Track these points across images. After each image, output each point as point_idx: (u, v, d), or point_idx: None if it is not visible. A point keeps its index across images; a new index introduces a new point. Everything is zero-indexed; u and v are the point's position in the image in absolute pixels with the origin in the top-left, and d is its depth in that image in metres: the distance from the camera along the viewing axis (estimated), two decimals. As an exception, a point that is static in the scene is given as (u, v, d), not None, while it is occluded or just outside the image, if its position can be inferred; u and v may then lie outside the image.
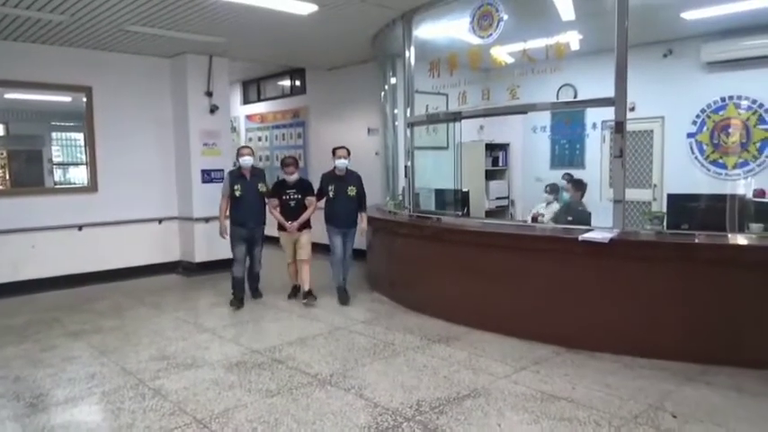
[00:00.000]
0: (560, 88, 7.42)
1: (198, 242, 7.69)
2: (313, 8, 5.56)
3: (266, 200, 5.99)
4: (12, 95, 6.79)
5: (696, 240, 4.15)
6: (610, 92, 4.46)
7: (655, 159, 7.28)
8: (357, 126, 8.39)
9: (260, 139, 10.89)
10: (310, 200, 5.99)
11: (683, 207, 4.51)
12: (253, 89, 11.11)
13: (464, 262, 5.14)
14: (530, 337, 4.62)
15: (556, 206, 6.14)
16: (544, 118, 8.02)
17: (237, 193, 5.83)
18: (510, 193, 8.54)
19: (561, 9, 5.12)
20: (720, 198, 4.74)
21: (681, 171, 6.89)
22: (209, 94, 7.73)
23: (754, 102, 6.51)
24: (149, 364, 4.32)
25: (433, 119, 6.32)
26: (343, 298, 5.98)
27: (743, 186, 6.51)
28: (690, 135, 6.96)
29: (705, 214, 4.41)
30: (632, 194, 6.49)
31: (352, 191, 5.95)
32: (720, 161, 6.80)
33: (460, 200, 6.20)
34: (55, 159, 7.35)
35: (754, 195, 5.35)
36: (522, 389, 3.72)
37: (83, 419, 3.47)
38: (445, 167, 6.38)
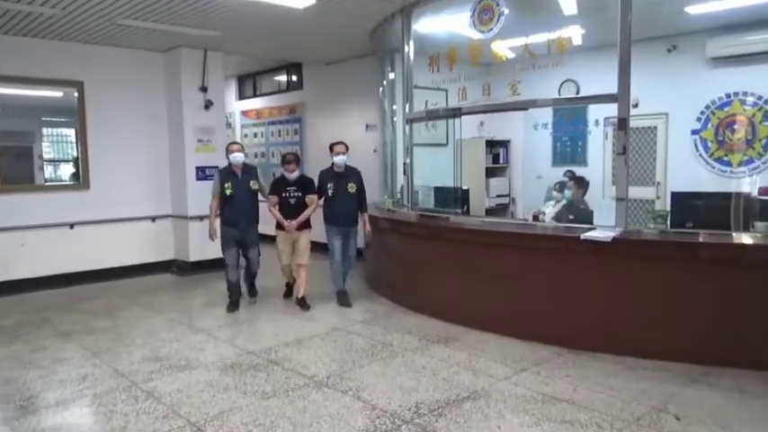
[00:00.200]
0: (562, 84, 7.42)
1: (192, 241, 7.67)
2: (310, 1, 5.55)
3: (266, 197, 5.86)
4: (1, 90, 6.76)
5: (700, 239, 4.16)
6: (613, 88, 4.46)
7: (658, 157, 7.28)
8: (355, 122, 8.38)
9: (256, 135, 10.88)
10: (311, 198, 5.83)
11: (687, 205, 4.52)
12: (248, 84, 11.09)
13: (464, 261, 5.14)
14: (530, 338, 4.63)
15: (565, 205, 6.11)
16: (546, 114, 8.01)
17: (228, 192, 5.70)
18: (511, 191, 8.55)
19: (563, 3, 5.12)
20: (725, 196, 4.75)
21: (685, 169, 6.89)
22: (204, 89, 7.71)
23: (759, 98, 6.51)
24: (142, 365, 4.32)
25: (432, 115, 6.32)
26: (343, 301, 5.92)
27: (748, 184, 6.52)
28: (694, 132, 6.97)
29: (709, 213, 4.42)
30: (635, 192, 6.48)
31: (352, 188, 5.82)
32: (725, 158, 6.81)
33: (460, 198, 6.20)
34: (46, 156, 7.34)
35: (760, 193, 5.34)
36: (523, 390, 3.73)
37: (74, 422, 3.47)
38: (445, 165, 6.39)
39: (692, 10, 5.86)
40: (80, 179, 7.27)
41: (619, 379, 3.88)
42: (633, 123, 4.69)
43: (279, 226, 5.82)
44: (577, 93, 7.29)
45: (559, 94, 7.27)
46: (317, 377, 4.02)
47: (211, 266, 7.42)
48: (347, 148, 5.90)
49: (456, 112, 5.92)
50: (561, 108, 7.69)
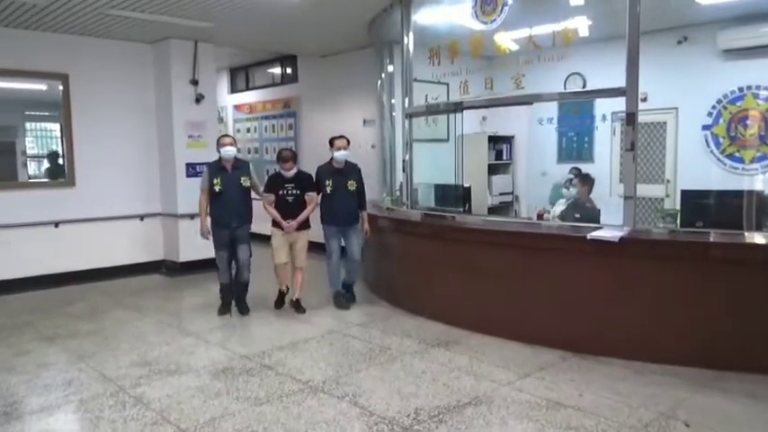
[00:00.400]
0: (568, 77, 7.43)
1: (182, 240, 7.67)
2: (305, -9, 5.56)
3: (260, 195, 5.70)
4: (-18, 83, 6.76)
5: (711, 239, 4.16)
6: (621, 81, 4.47)
7: (668, 153, 7.30)
8: (352, 117, 8.38)
9: (249, 130, 10.88)
10: (311, 195, 5.68)
11: (697, 204, 4.52)
12: (241, 77, 11.09)
13: (465, 261, 5.15)
14: (534, 342, 4.63)
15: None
16: (551, 109, 8.01)
17: (217, 188, 5.51)
18: (514, 189, 8.56)
19: (569, -7, 5.13)
20: (737, 194, 4.76)
21: (695, 165, 6.91)
22: (195, 82, 7.71)
23: (773, 92, 6.53)
24: (130, 370, 4.32)
25: (432, 109, 6.32)
26: (340, 303, 5.88)
27: (761, 182, 6.54)
28: (705, 127, 6.98)
29: (721, 211, 4.42)
30: (644, 190, 6.50)
31: (352, 185, 5.71)
32: (737, 155, 6.82)
33: (462, 196, 6.20)
34: (29, 151, 7.32)
35: (773, 191, 5.37)
36: (527, 396, 3.73)
37: (59, 428, 3.47)
38: (445, 161, 6.38)
39: (703, 0, 5.86)
40: (65, 175, 7.26)
41: (626, 384, 3.89)
42: (642, 118, 4.69)
43: (275, 224, 5.68)
44: (584, 86, 7.30)
45: (565, 88, 7.28)
46: (312, 382, 4.02)
47: (202, 267, 7.42)
48: (348, 142, 5.78)
49: (457, 107, 5.92)
50: (567, 102, 7.67)
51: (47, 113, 7.50)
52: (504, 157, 8.51)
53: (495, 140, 8.32)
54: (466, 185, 6.36)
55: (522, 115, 8.08)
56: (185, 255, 7.70)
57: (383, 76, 7.06)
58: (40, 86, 7.20)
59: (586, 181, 6.17)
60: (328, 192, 5.71)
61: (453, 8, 5.77)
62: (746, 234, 4.24)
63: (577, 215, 5.42)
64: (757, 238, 4.18)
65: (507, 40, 5.38)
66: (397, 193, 6.59)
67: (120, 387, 3.99)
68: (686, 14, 6.43)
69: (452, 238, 5.27)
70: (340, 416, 3.49)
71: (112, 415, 3.56)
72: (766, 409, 3.51)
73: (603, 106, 7.25)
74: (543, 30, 5.06)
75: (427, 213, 5.90)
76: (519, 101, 5.86)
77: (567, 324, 4.53)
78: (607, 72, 4.73)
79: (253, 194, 5.81)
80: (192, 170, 7.68)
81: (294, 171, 5.66)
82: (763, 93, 6.59)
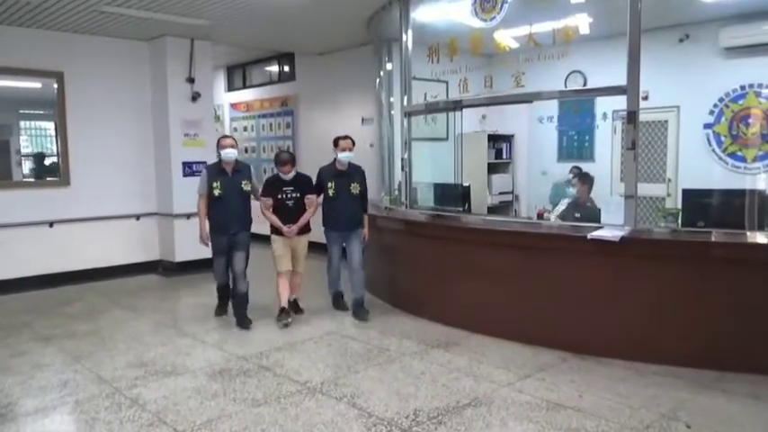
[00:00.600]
0: (568, 75, 7.44)
1: (178, 240, 7.67)
2: (303, -12, 5.55)
3: (259, 199, 5.46)
4: (-24, 81, 6.76)
5: (713, 239, 4.17)
6: (621, 79, 4.47)
7: (669, 152, 7.30)
8: (350, 115, 8.38)
9: (246, 129, 10.88)
10: (310, 198, 5.46)
11: (698, 203, 4.53)
12: (238, 75, 11.08)
13: (464, 261, 5.15)
14: (534, 342, 4.64)
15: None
16: (551, 107, 8.03)
17: (216, 193, 5.30)
18: (514, 188, 8.56)
19: (570, -10, 5.14)
20: (739, 193, 4.76)
21: (697, 164, 6.91)
22: (191, 80, 7.70)
23: (775, 90, 6.54)
24: (126, 371, 4.32)
25: (431, 108, 6.32)
26: (340, 304, 5.83)
27: (763, 181, 6.55)
28: (707, 126, 6.99)
29: (722, 211, 4.43)
30: (645, 189, 6.50)
31: (355, 188, 5.51)
32: (739, 154, 6.83)
33: (461, 195, 6.20)
34: (24, 150, 7.31)
35: (776, 190, 5.38)
36: (527, 397, 3.74)
37: (55, 430, 3.47)
38: (445, 160, 6.39)
39: (705, -3, 5.88)
40: (53, 175, 7.26)
41: (627, 385, 3.89)
42: (643, 117, 4.70)
43: (275, 230, 5.47)
44: (584, 85, 7.30)
45: (565, 86, 7.28)
46: (310, 383, 4.03)
47: (199, 267, 7.41)
48: (354, 143, 5.58)
49: (457, 105, 5.92)
50: (567, 101, 7.71)
51: (41, 112, 7.50)
52: (504, 156, 8.51)
53: (494, 139, 8.32)
54: (465, 185, 6.37)
55: (522, 114, 8.09)
56: (182, 255, 7.70)
57: (382, 73, 7.05)
58: (35, 84, 7.20)
59: (586, 180, 6.19)
60: (330, 194, 5.52)
61: (453, 5, 5.77)
62: (748, 234, 4.24)
63: (578, 215, 5.43)
64: (759, 238, 4.18)
65: (507, 38, 5.39)
66: (396, 192, 6.59)
67: (116, 388, 3.99)
68: (688, 12, 6.44)
69: (452, 237, 5.28)
70: (338, 417, 3.50)
71: (108, 416, 3.56)
72: (768, 409, 3.53)
73: (604, 105, 7.29)
74: (543, 27, 5.06)
75: (426, 213, 5.91)
76: (519, 99, 5.87)
77: (567, 324, 4.54)
78: (608, 70, 4.74)
79: (252, 199, 5.60)
80: (188, 169, 7.68)
81: (293, 174, 5.46)
82: (765, 91, 6.60)
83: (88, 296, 6.65)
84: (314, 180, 5.64)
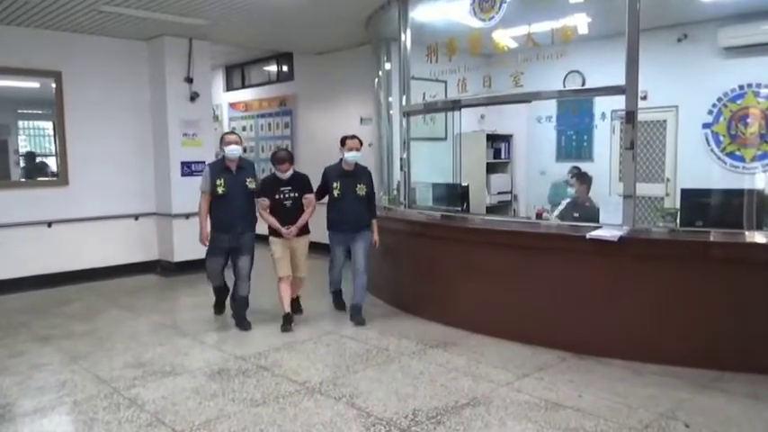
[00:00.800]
0: (567, 75, 7.43)
1: (177, 240, 7.67)
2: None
3: (256, 200, 5.28)
4: (-27, 81, 6.75)
5: (711, 238, 4.17)
6: (620, 79, 4.47)
7: (668, 152, 7.30)
8: (349, 115, 8.38)
9: (244, 128, 10.86)
10: (308, 198, 5.29)
11: (697, 203, 4.53)
12: (236, 75, 11.08)
13: (463, 261, 5.15)
14: (533, 342, 4.64)
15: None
16: (550, 107, 8.04)
17: (220, 191, 5.15)
18: (513, 188, 8.56)
19: (568, -10, 5.14)
20: (738, 193, 4.77)
21: (695, 164, 6.92)
22: (190, 80, 7.70)
23: (774, 90, 6.55)
24: (124, 371, 4.31)
25: (430, 107, 6.31)
26: (339, 304, 5.82)
27: (762, 180, 6.55)
28: (705, 125, 6.99)
29: (721, 211, 4.44)
30: (643, 189, 6.52)
31: (361, 190, 5.33)
32: (738, 153, 6.83)
33: (460, 195, 6.20)
34: (22, 150, 7.30)
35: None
36: (525, 397, 3.74)
37: (53, 431, 3.47)
38: (443, 160, 6.39)
39: (703, -3, 5.89)
40: (43, 175, 7.25)
41: (626, 384, 3.90)
42: (641, 117, 4.70)
43: (273, 232, 5.28)
44: (583, 84, 7.30)
45: (564, 86, 7.28)
46: (308, 383, 4.02)
47: (197, 267, 7.33)
48: (361, 143, 5.45)
49: (455, 105, 5.92)
50: (566, 100, 7.71)
51: (40, 111, 7.48)
52: (503, 156, 8.51)
53: (493, 139, 8.32)
54: (464, 184, 6.37)
55: (521, 113, 8.09)
56: (180, 255, 7.69)
57: (380, 73, 7.05)
58: (33, 84, 7.19)
59: (584, 180, 6.19)
60: (336, 195, 5.34)
61: (451, 5, 5.76)
62: (747, 233, 4.25)
63: (576, 214, 5.43)
64: (758, 238, 4.19)
65: (506, 38, 5.39)
66: (395, 192, 6.59)
67: (114, 388, 3.98)
68: (686, 12, 6.44)
69: (450, 237, 5.28)
70: (337, 417, 3.50)
71: (107, 417, 3.55)
72: (767, 409, 3.52)
73: (603, 104, 7.30)
74: (542, 27, 5.07)
75: (425, 213, 5.90)
76: (517, 99, 5.88)
77: (566, 324, 4.54)
78: (606, 70, 4.74)
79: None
80: (186, 169, 7.68)
81: (290, 173, 5.27)
82: (763, 91, 6.60)
83: (86, 296, 6.65)
84: (314, 180, 5.52)
